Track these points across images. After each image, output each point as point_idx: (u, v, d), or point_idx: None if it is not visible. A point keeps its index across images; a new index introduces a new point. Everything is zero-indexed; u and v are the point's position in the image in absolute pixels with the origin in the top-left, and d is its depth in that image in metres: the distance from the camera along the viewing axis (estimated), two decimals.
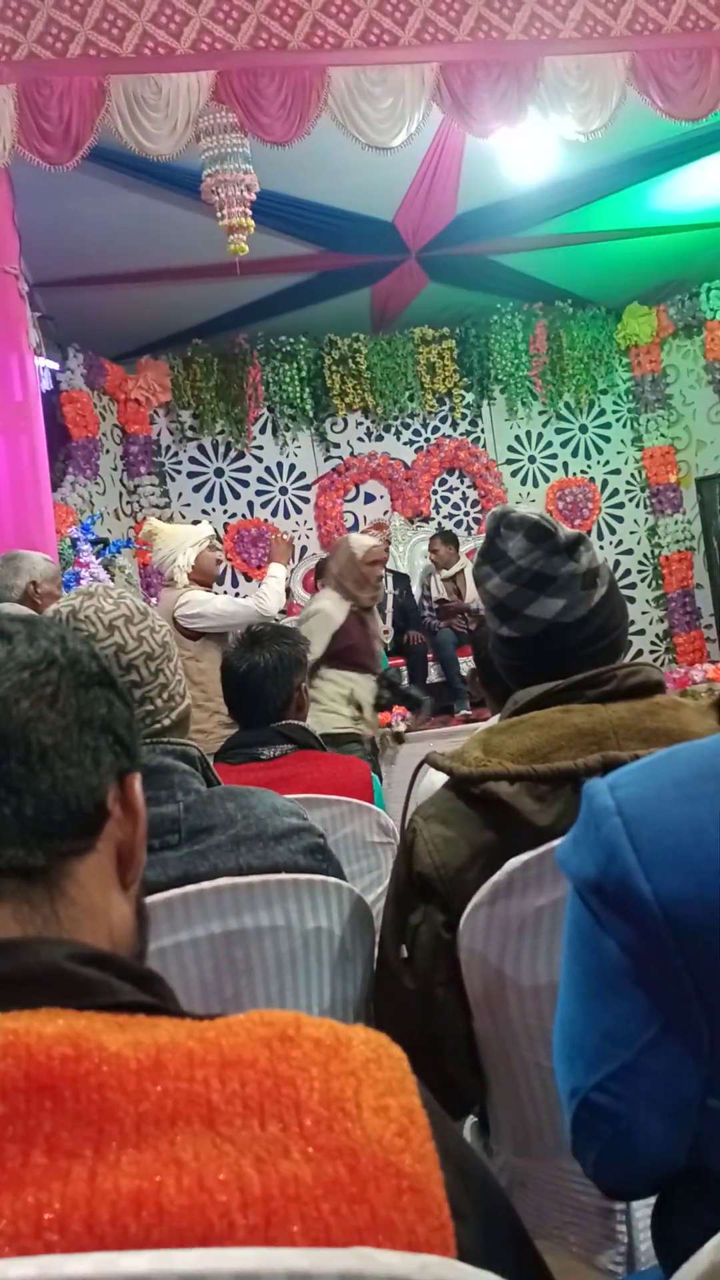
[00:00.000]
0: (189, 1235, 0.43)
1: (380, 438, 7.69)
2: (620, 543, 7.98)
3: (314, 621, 4.01)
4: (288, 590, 4.85)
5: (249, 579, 7.27)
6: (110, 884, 0.64)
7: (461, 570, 7.15)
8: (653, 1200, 1.20)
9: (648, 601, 7.94)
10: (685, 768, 0.69)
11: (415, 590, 7.35)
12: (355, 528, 7.54)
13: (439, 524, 7.83)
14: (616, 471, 8.02)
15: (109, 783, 0.64)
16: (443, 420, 7.81)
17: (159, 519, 4.63)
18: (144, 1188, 0.44)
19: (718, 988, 0.62)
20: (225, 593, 5.44)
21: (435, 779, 1.46)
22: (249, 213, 4.35)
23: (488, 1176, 0.59)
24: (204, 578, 4.00)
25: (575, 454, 7.99)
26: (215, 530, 4.29)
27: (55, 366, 6.19)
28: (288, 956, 1.31)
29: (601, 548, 7.76)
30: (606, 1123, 0.69)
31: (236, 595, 4.47)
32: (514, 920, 1.17)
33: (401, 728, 6.15)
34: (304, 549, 7.53)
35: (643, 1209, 1.23)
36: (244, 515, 7.45)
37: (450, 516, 7.88)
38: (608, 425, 8.02)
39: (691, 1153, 0.68)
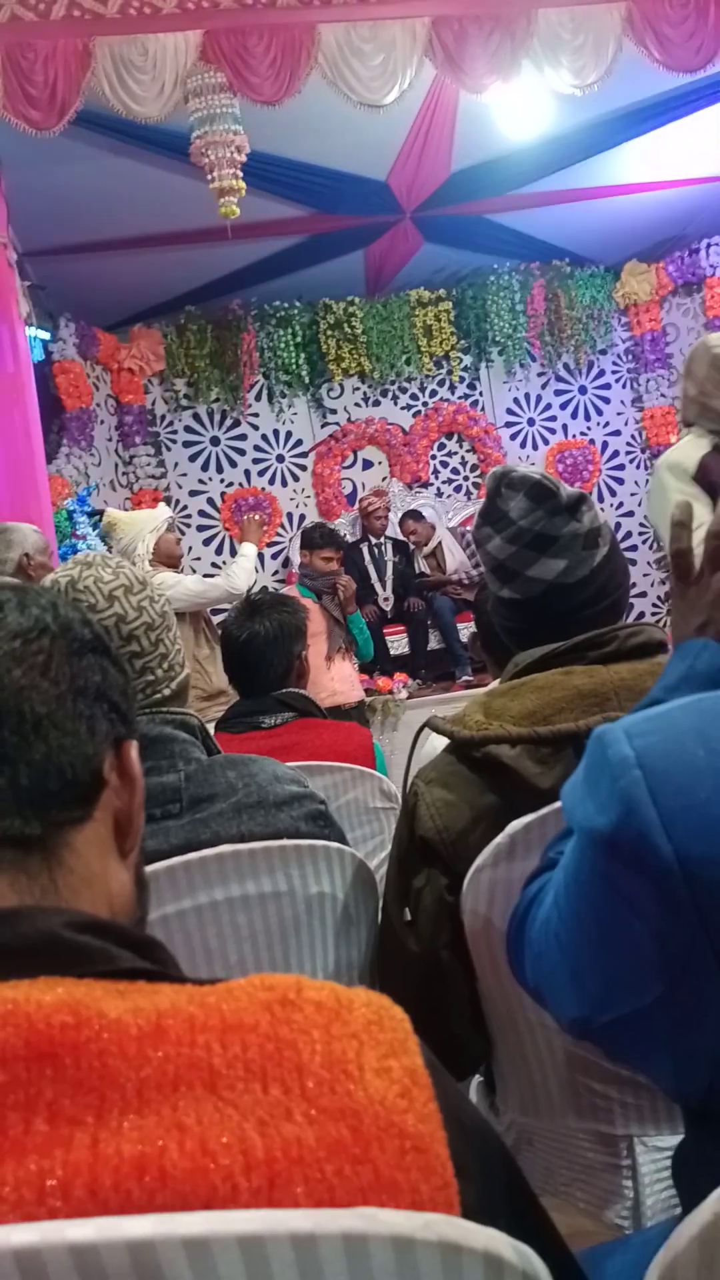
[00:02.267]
0: (192, 1199, 0.43)
1: (377, 403, 7.64)
2: (621, 505, 7.95)
3: None
4: (286, 561, 4.92)
5: None
6: (108, 852, 0.64)
7: (440, 543, 7.16)
8: (659, 1158, 1.21)
9: (649, 564, 7.92)
10: (706, 718, 0.66)
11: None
12: (354, 495, 7.51)
13: (438, 490, 7.80)
14: (616, 433, 7.98)
15: (105, 751, 0.64)
16: (440, 384, 7.75)
17: (119, 510, 4.74)
18: (146, 1152, 0.44)
19: None
20: (222, 563, 5.48)
21: (437, 743, 1.46)
22: (240, 175, 4.30)
23: (491, 1135, 0.59)
24: (167, 560, 4.15)
25: (575, 416, 7.94)
26: (171, 514, 4.41)
27: (47, 336, 6.14)
28: (291, 922, 1.32)
29: (603, 510, 7.71)
30: (614, 1051, 0.69)
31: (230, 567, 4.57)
32: (517, 883, 1.17)
33: (403, 695, 6.17)
34: (302, 517, 7.49)
35: (649, 1165, 1.24)
36: (241, 484, 7.42)
37: (450, 481, 7.85)
38: (607, 386, 7.96)
39: (706, 1097, 0.67)
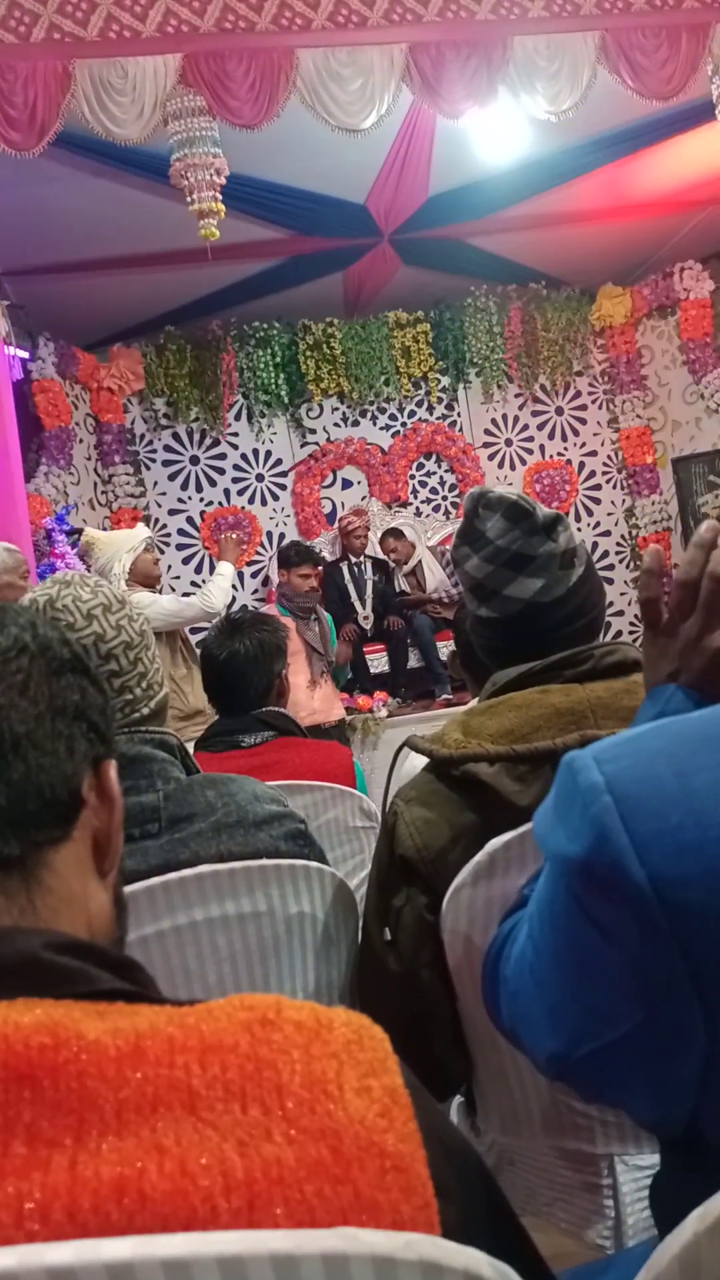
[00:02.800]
0: (172, 1221, 0.43)
1: (356, 423, 7.67)
2: (598, 524, 7.99)
3: None
4: (266, 580, 4.92)
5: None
6: (87, 872, 0.64)
7: (420, 562, 7.19)
8: (640, 1176, 1.21)
9: (626, 583, 7.96)
10: (676, 741, 0.65)
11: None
12: (333, 515, 7.52)
13: (416, 509, 7.82)
14: (593, 453, 8.03)
15: (84, 770, 0.64)
16: (419, 404, 7.79)
17: (98, 529, 4.77)
18: (126, 1174, 0.43)
19: (713, 972, 0.60)
20: (201, 582, 5.48)
21: (416, 762, 1.46)
22: (219, 197, 4.32)
23: (471, 1154, 0.59)
24: (144, 580, 4.18)
25: (552, 436, 7.99)
26: (150, 534, 4.42)
27: (26, 355, 6.13)
28: (271, 942, 1.31)
29: (579, 530, 7.78)
30: (591, 1087, 0.69)
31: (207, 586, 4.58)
32: (497, 900, 1.17)
33: (383, 713, 6.17)
34: (282, 536, 7.50)
35: (630, 1184, 1.23)
36: (220, 503, 7.41)
37: (428, 501, 7.87)
38: (583, 407, 8.02)
39: (686, 1126, 0.67)
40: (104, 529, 6.30)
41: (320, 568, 5.40)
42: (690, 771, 0.63)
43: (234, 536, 4.92)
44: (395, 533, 7.26)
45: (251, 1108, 0.47)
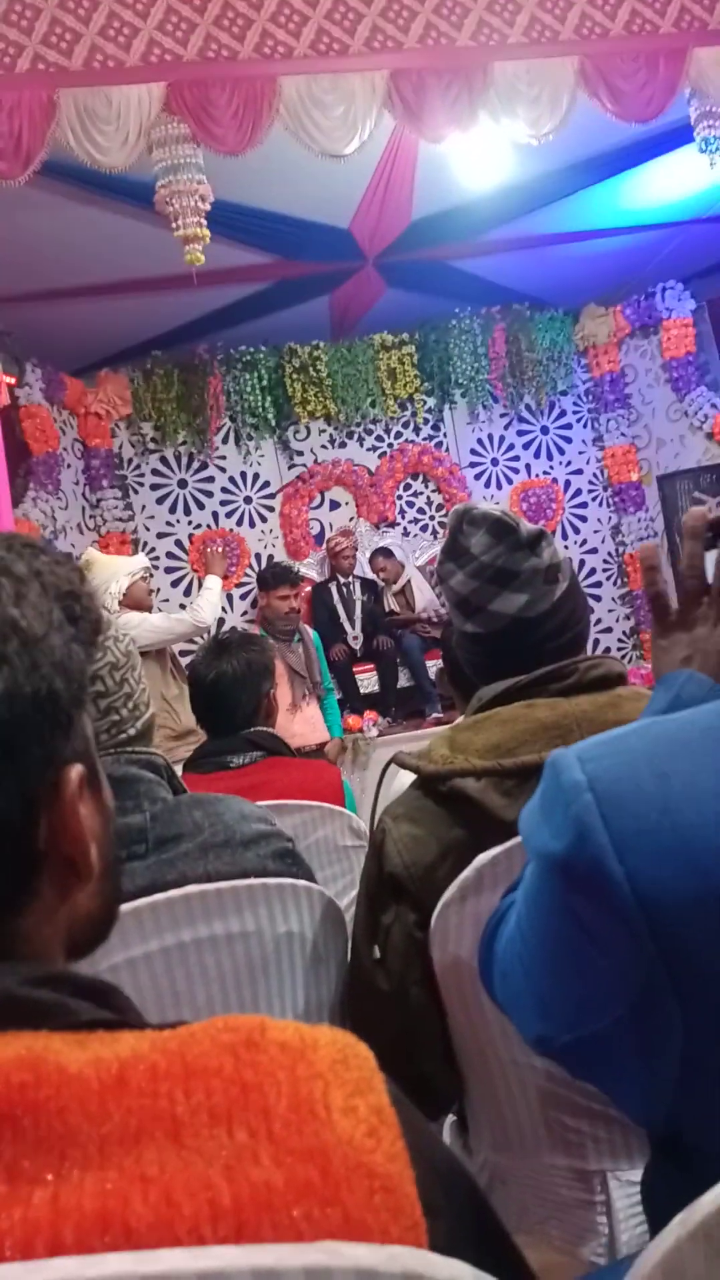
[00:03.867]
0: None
1: (343, 445, 7.69)
2: (584, 542, 8.03)
3: None
4: (255, 602, 4.91)
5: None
6: (60, 901, 0.60)
7: (409, 581, 7.21)
8: (633, 1192, 1.20)
9: (614, 599, 7.99)
10: (658, 743, 0.66)
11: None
12: (321, 535, 7.53)
13: (404, 529, 7.84)
14: (579, 472, 8.07)
15: (37, 812, 0.57)
16: (405, 425, 7.82)
17: (106, 546, 4.77)
18: (109, 1206, 0.43)
19: (691, 971, 0.60)
20: (184, 604, 5.49)
21: (404, 779, 1.46)
22: (204, 223, 4.34)
23: (460, 1171, 0.58)
24: (135, 605, 4.21)
25: (537, 455, 8.03)
26: (148, 562, 4.42)
27: (12, 381, 6.14)
28: (260, 962, 1.30)
29: (566, 548, 7.80)
30: (578, 1068, 0.69)
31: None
32: (485, 916, 1.17)
33: (373, 733, 6.16)
34: (270, 557, 7.51)
35: (624, 1199, 1.23)
36: (209, 525, 7.42)
37: (416, 521, 7.90)
38: (568, 426, 8.07)
39: (667, 1122, 0.67)
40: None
41: (297, 588, 5.37)
42: (670, 774, 0.63)
43: (220, 549, 4.93)
44: (384, 552, 7.28)
45: (238, 1131, 0.47)
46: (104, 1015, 0.53)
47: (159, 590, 7.10)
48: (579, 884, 0.63)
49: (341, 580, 7.03)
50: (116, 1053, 0.49)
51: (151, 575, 4.41)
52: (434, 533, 7.80)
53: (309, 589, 7.26)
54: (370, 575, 7.34)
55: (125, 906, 1.19)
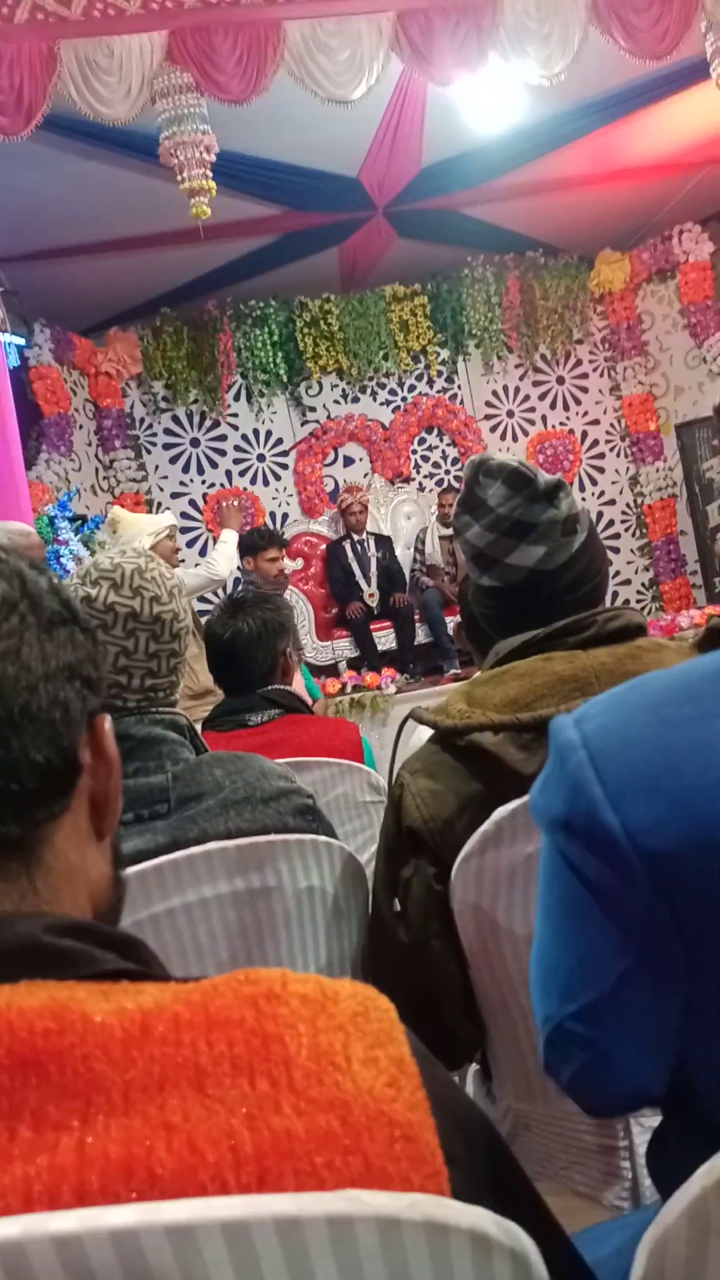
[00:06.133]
0: (181, 1198, 0.43)
1: (356, 399, 7.64)
2: (602, 493, 7.97)
3: None
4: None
5: None
6: (86, 839, 0.62)
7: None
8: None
9: (632, 551, 7.94)
10: (655, 693, 0.66)
11: (401, 551, 7.34)
12: (336, 492, 7.51)
13: (419, 484, 7.81)
14: (596, 422, 7.99)
15: (79, 734, 0.61)
16: (418, 378, 7.76)
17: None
18: (134, 1153, 0.43)
19: (693, 915, 0.61)
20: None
21: (422, 734, 1.46)
22: (209, 174, 4.29)
23: (481, 1120, 0.59)
24: None
25: (554, 406, 7.95)
26: (175, 519, 4.40)
27: (22, 342, 6.11)
28: (282, 917, 1.32)
29: (584, 499, 7.75)
30: (581, 1049, 0.69)
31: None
32: (504, 869, 1.18)
33: (391, 690, 6.17)
34: (285, 515, 7.49)
35: (646, 1144, 1.24)
36: (222, 484, 7.41)
37: (430, 475, 7.85)
38: (584, 375, 7.98)
39: (676, 1075, 0.68)
40: (106, 516, 6.32)
41: (285, 549, 5.31)
42: (672, 721, 0.64)
43: (235, 503, 4.92)
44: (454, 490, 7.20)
45: (259, 1081, 0.47)
46: (128, 966, 0.54)
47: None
48: (579, 840, 0.64)
49: (355, 538, 7.02)
50: (140, 1003, 0.49)
51: (177, 534, 4.39)
52: (449, 487, 7.76)
53: (323, 548, 7.26)
54: (383, 531, 7.32)
55: (148, 864, 1.21)
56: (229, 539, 4.60)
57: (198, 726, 1.53)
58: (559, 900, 0.69)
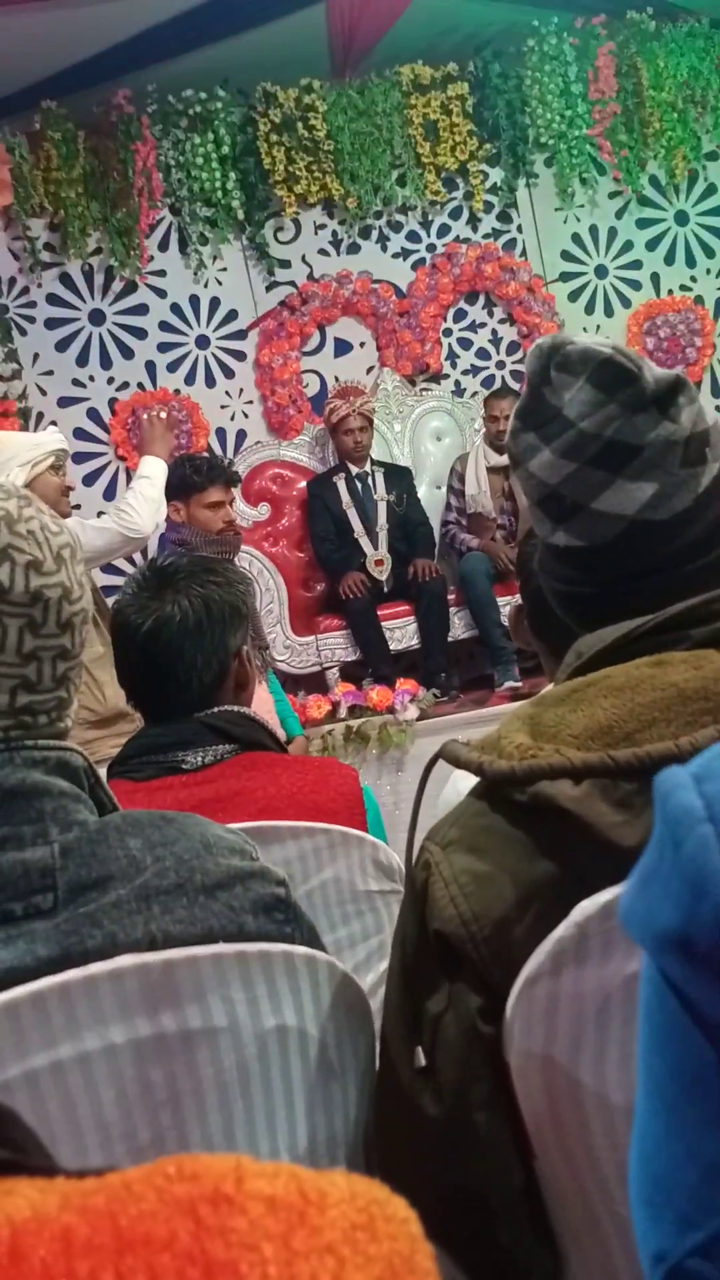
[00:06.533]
0: None
1: (355, 248, 7.65)
2: None
3: None
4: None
5: None
6: None
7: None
8: None
9: None
10: None
11: (426, 492, 7.33)
12: (320, 398, 7.49)
13: (456, 384, 7.80)
14: None
15: None
16: (455, 215, 7.77)
17: None
18: None
19: None
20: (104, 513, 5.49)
21: (460, 784, 1.47)
22: None
23: None
24: None
25: (670, 259, 7.97)
26: (65, 442, 4.38)
27: None
28: (235, 1075, 1.32)
29: (717, 409, 7.75)
30: None
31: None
32: (593, 997, 1.18)
33: (411, 713, 6.17)
34: (241, 434, 7.48)
35: None
36: (140, 385, 7.40)
37: (475, 371, 7.86)
38: None
39: None
40: None
41: (235, 489, 5.26)
42: None
43: (162, 417, 4.88)
44: (506, 392, 7.19)
45: None
46: None
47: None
48: (701, 962, 0.64)
49: (354, 470, 7.00)
50: (8, 1213, 0.49)
51: (67, 463, 4.38)
52: (503, 389, 7.76)
53: (302, 485, 7.24)
54: (398, 460, 7.31)
55: (22, 990, 1.21)
56: (153, 472, 4.59)
57: (102, 771, 1.54)
58: (672, 1067, 0.69)
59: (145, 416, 5.05)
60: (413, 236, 7.74)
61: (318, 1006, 1.39)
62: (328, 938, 1.74)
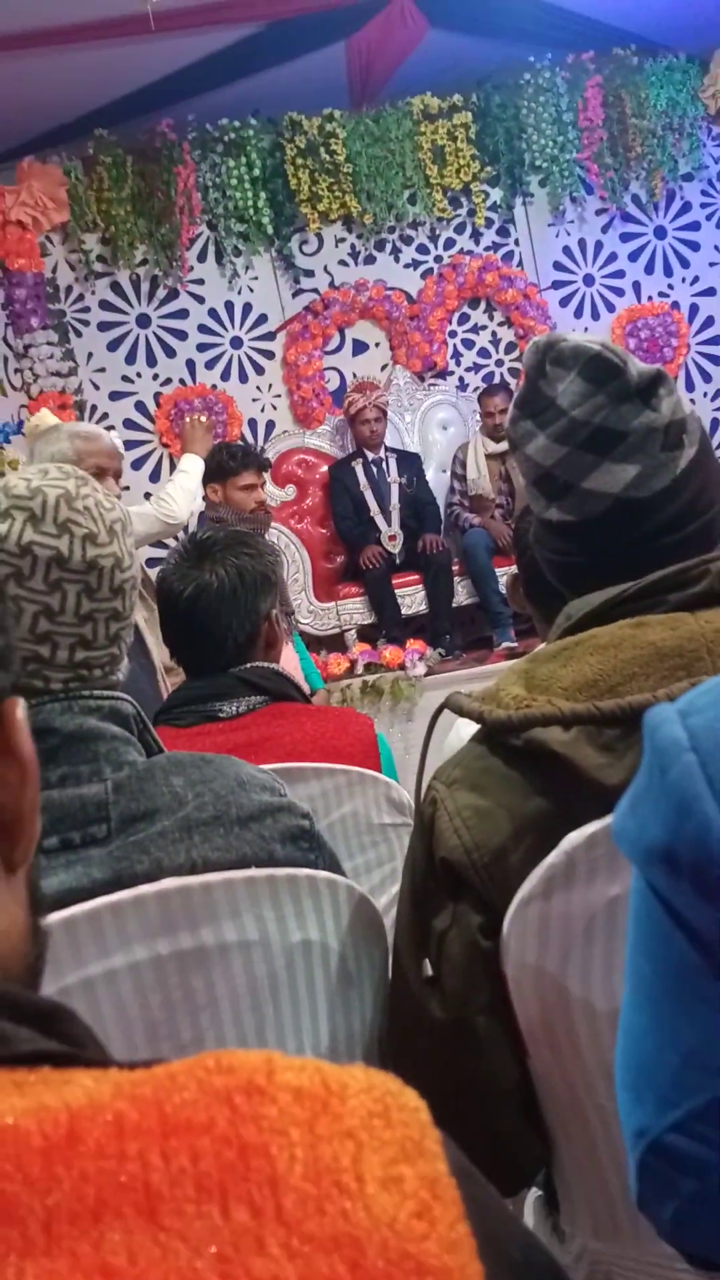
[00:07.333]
0: None
1: (371, 259, 7.61)
2: (718, 393, 7.93)
3: None
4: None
5: None
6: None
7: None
8: None
9: None
10: None
11: (434, 475, 7.32)
12: (340, 392, 7.48)
13: (460, 380, 7.77)
14: (710, 291, 7.96)
15: None
16: (459, 229, 7.72)
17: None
18: None
19: None
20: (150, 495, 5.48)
21: (462, 730, 1.47)
22: None
23: (546, 1264, 0.59)
24: None
25: (650, 269, 7.92)
26: (118, 443, 4.37)
27: None
28: (266, 983, 1.33)
29: (693, 400, 7.70)
30: (689, 1174, 0.70)
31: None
32: (579, 917, 1.19)
33: (419, 670, 6.18)
34: (270, 425, 7.47)
35: None
36: (182, 380, 7.39)
37: (476, 368, 7.83)
38: (695, 226, 7.95)
39: None
40: (18, 424, 6.31)
41: (266, 474, 5.27)
42: None
43: (203, 420, 4.91)
44: (501, 388, 7.19)
45: (235, 1209, 0.47)
46: (51, 1047, 0.54)
47: None
48: (685, 874, 0.64)
49: (370, 456, 7.00)
50: (67, 1100, 0.49)
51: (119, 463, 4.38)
52: (503, 383, 7.73)
53: (324, 470, 7.25)
54: (409, 447, 7.30)
55: (80, 908, 1.21)
56: (192, 467, 4.60)
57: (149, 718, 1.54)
58: (656, 966, 0.69)
59: (187, 420, 5.06)
60: (422, 249, 7.71)
61: (338, 924, 1.39)
62: (346, 864, 1.75)
